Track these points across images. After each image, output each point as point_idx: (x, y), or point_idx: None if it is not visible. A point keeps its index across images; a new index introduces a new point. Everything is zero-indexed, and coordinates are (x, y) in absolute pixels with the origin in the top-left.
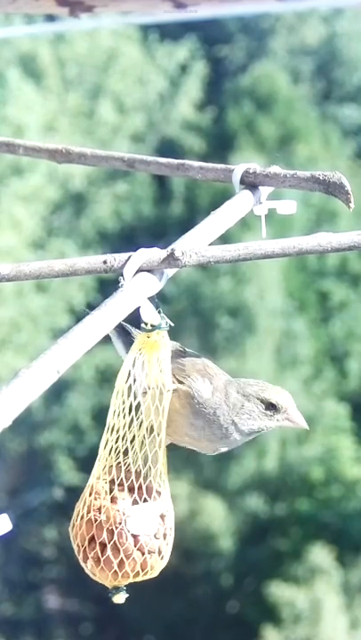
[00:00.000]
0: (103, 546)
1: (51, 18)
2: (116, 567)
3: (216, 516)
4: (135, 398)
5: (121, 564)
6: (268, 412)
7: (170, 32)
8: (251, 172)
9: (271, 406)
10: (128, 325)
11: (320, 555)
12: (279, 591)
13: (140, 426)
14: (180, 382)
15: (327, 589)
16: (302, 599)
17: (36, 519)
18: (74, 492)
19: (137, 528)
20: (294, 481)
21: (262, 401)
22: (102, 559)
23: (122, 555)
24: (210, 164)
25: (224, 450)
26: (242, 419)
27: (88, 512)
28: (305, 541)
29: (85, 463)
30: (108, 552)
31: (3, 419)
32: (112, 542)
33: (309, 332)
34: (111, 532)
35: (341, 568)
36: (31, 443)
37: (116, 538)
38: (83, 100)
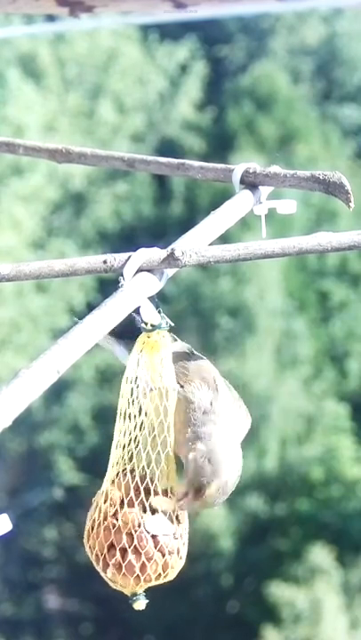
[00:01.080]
0: (123, 551)
1: (51, 18)
2: (138, 571)
3: (216, 516)
4: (140, 400)
5: (143, 567)
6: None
7: (170, 32)
8: (251, 171)
9: None
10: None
11: (320, 555)
12: (279, 591)
13: (148, 427)
14: (181, 386)
15: (327, 589)
16: (302, 599)
17: (36, 519)
18: (74, 492)
19: (155, 528)
20: (294, 481)
21: None
22: (124, 565)
23: (143, 558)
24: (210, 164)
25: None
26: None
27: (105, 519)
28: (305, 541)
29: (85, 463)
30: (130, 556)
31: (3, 419)
32: (133, 546)
33: (309, 332)
34: (131, 536)
35: (341, 568)
36: (31, 443)
37: (136, 541)
38: (83, 100)
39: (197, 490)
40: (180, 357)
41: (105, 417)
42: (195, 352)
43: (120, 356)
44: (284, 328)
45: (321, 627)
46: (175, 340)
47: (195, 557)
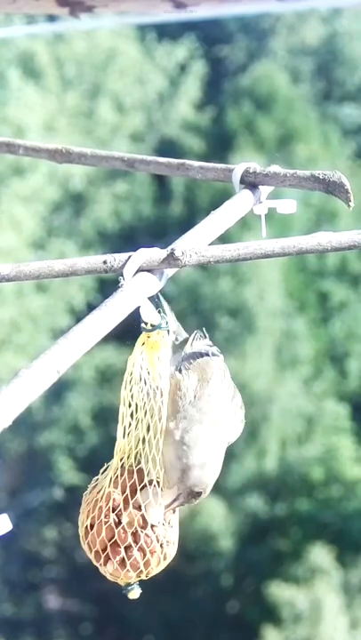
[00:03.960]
0: (128, 548)
1: (51, 18)
2: (142, 567)
3: (216, 516)
4: (141, 400)
5: (147, 562)
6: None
7: (169, 31)
8: (251, 171)
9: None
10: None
11: (320, 555)
12: (279, 591)
13: (147, 426)
14: (179, 372)
15: (327, 589)
16: (302, 599)
17: (36, 519)
18: (74, 492)
19: (155, 517)
20: (294, 481)
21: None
22: (128, 562)
23: (148, 554)
24: (210, 164)
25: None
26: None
27: (106, 516)
28: (305, 541)
29: (85, 463)
30: (135, 554)
31: (3, 419)
32: (138, 545)
33: (309, 332)
34: (135, 535)
35: (341, 568)
36: (31, 443)
37: (142, 540)
38: (82, 100)
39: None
40: (195, 356)
41: (105, 417)
42: (216, 352)
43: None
44: (284, 328)
45: (321, 627)
46: (199, 339)
47: (195, 557)
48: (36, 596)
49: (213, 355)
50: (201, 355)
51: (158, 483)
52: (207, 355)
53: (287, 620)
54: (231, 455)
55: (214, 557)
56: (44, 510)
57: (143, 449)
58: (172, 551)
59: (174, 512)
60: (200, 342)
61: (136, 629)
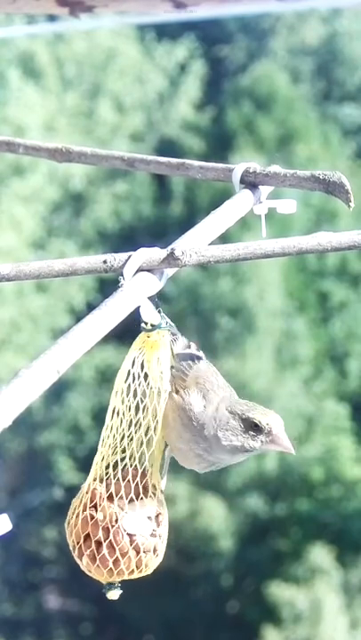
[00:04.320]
0: (99, 544)
1: (51, 18)
2: (111, 565)
3: (216, 516)
4: (134, 398)
5: (116, 562)
6: (250, 432)
7: (169, 31)
8: (251, 171)
9: (254, 426)
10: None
11: (320, 555)
12: (279, 591)
13: (139, 425)
14: (177, 392)
15: (327, 589)
16: (302, 599)
17: (36, 519)
18: (74, 492)
19: (133, 527)
20: (294, 481)
21: (245, 419)
22: (98, 557)
23: (117, 553)
24: (210, 164)
25: (210, 469)
26: (225, 435)
27: (84, 510)
28: (305, 541)
29: (85, 463)
30: (104, 550)
31: (3, 419)
32: (108, 541)
33: (309, 332)
34: (107, 531)
35: (341, 568)
36: (31, 443)
37: (111, 536)
38: (82, 100)
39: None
40: (181, 359)
41: (105, 417)
42: (196, 351)
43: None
44: (284, 328)
45: (321, 627)
46: (177, 339)
47: (195, 557)
48: (36, 596)
49: (199, 357)
50: (190, 359)
51: (144, 488)
52: (196, 359)
53: (287, 620)
54: None
55: (214, 557)
56: (44, 510)
57: (133, 448)
58: (151, 560)
59: (161, 524)
60: (179, 343)
61: (136, 629)
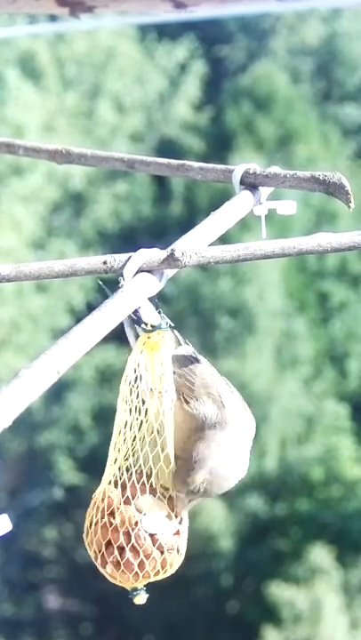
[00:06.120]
0: (121, 549)
1: (51, 18)
2: (136, 568)
3: (216, 516)
4: (140, 400)
5: (141, 564)
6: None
7: (169, 31)
8: (251, 172)
9: None
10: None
11: (320, 555)
12: (279, 591)
13: (148, 427)
14: (187, 403)
15: (327, 589)
16: (302, 599)
17: (36, 519)
18: (74, 492)
19: (154, 527)
20: (294, 481)
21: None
22: (122, 562)
23: (141, 556)
24: (210, 165)
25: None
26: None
27: (102, 517)
28: (305, 541)
29: (85, 463)
30: (128, 555)
31: (3, 419)
32: (130, 545)
33: (309, 332)
34: (128, 535)
35: (341, 568)
36: (31, 443)
37: (133, 540)
38: (82, 100)
39: (183, 481)
40: (183, 364)
41: (105, 417)
42: (197, 356)
43: (130, 340)
44: (284, 328)
45: (321, 627)
46: (179, 344)
47: (195, 557)
48: (36, 596)
49: (200, 361)
50: (192, 364)
51: (159, 490)
52: (198, 364)
53: (287, 620)
54: None
55: (214, 557)
56: (44, 510)
57: (144, 450)
58: (176, 559)
59: (182, 522)
60: (180, 349)
61: (136, 629)
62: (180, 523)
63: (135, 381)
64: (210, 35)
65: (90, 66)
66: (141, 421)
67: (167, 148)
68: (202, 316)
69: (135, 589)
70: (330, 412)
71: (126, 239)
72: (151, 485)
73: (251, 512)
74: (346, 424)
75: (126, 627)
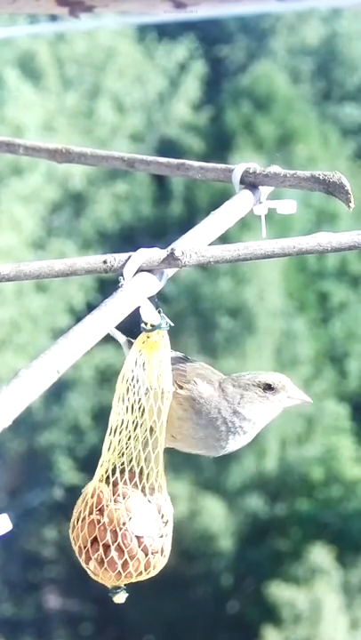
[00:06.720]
0: (106, 547)
1: (51, 18)
2: (119, 568)
3: (216, 516)
4: (136, 399)
5: (125, 564)
6: (267, 395)
7: (169, 31)
8: (251, 171)
9: (268, 387)
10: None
11: (320, 555)
12: (279, 591)
13: (143, 427)
14: (180, 387)
15: (327, 589)
16: (302, 599)
17: (36, 519)
18: (74, 492)
19: (141, 529)
20: (294, 481)
21: (258, 385)
22: (106, 560)
23: (126, 556)
24: (210, 164)
25: (234, 448)
26: (245, 408)
27: (90, 513)
28: (305, 541)
29: (85, 463)
30: (112, 553)
31: (3, 419)
32: (116, 544)
33: (309, 332)
34: (115, 534)
35: (341, 568)
36: (31, 443)
37: (120, 539)
38: (82, 100)
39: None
40: (176, 361)
41: (105, 417)
42: (189, 358)
43: (125, 351)
44: (284, 328)
45: (321, 627)
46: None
47: (195, 557)
48: (36, 596)
49: (193, 361)
50: (183, 361)
51: (149, 489)
52: (190, 361)
53: (287, 620)
54: (231, 455)
55: (214, 557)
56: (44, 510)
57: (137, 449)
58: (158, 561)
59: (167, 524)
60: (171, 353)
61: (136, 629)
62: (165, 525)
63: (132, 380)
64: (210, 35)
65: (90, 66)
66: (137, 421)
67: (167, 148)
68: (202, 315)
69: (116, 588)
70: (330, 412)
71: (126, 239)
72: (143, 485)
73: (251, 512)
74: (346, 424)
75: (126, 627)
